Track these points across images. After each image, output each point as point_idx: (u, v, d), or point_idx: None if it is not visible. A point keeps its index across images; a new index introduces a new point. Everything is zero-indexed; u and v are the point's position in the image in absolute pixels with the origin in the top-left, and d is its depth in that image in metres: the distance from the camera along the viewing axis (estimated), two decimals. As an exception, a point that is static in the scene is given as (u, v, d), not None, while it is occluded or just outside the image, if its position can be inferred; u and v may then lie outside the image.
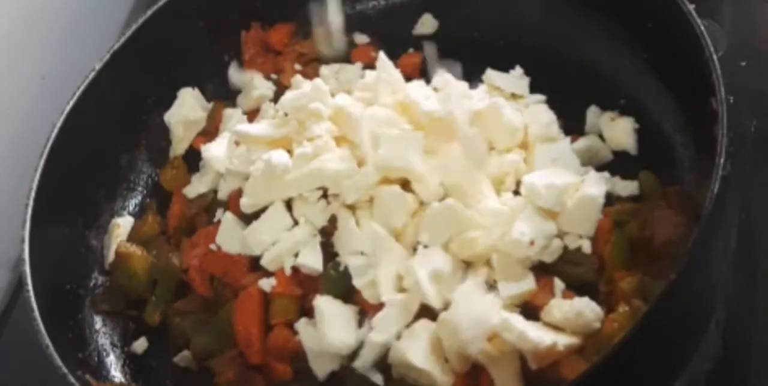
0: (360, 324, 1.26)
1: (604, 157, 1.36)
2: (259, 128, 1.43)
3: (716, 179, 1.08)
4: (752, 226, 1.32)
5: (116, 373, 1.36)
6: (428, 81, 1.47)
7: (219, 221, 1.43)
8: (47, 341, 1.25)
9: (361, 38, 1.61)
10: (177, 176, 1.55)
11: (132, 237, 1.49)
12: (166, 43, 1.57)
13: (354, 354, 1.24)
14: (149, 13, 1.55)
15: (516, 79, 1.46)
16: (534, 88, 1.45)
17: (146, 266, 1.43)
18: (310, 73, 1.55)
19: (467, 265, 1.28)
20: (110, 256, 1.46)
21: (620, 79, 1.41)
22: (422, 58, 1.55)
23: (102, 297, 1.44)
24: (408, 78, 1.47)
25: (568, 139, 1.37)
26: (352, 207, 1.32)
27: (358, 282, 1.29)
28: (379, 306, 1.25)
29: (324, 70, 1.57)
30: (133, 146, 1.58)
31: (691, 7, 1.25)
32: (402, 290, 1.26)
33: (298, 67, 1.58)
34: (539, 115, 1.39)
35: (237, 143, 1.46)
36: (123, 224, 1.50)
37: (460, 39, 1.56)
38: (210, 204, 1.48)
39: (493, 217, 1.27)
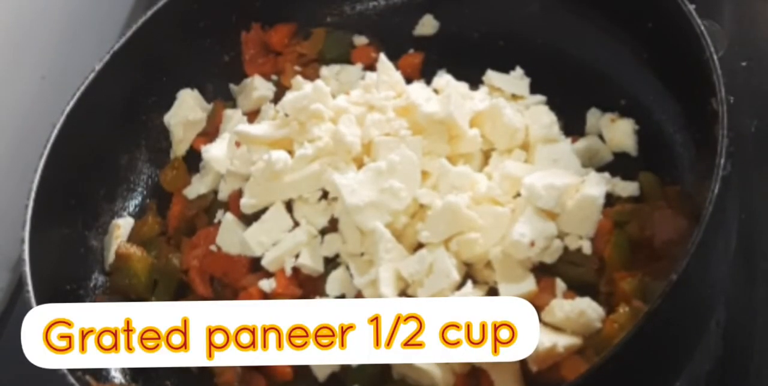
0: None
1: (604, 157, 1.36)
2: (260, 129, 1.43)
3: (717, 179, 1.08)
4: (753, 226, 1.33)
5: (116, 374, 1.36)
6: (429, 82, 1.47)
7: (219, 222, 1.43)
8: (47, 342, 1.25)
9: (360, 39, 1.61)
10: (177, 177, 1.55)
11: (132, 237, 1.48)
12: (166, 43, 1.57)
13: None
14: (149, 13, 1.55)
15: (516, 79, 1.46)
16: (534, 89, 1.45)
17: (146, 267, 1.43)
18: (311, 74, 1.55)
19: (468, 267, 1.28)
20: (110, 257, 1.46)
21: (620, 79, 1.41)
22: (423, 58, 1.55)
23: (102, 298, 1.44)
24: (408, 79, 1.47)
25: (568, 139, 1.37)
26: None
27: (358, 282, 1.29)
28: None
29: (324, 71, 1.57)
30: (133, 147, 1.57)
31: (692, 7, 1.25)
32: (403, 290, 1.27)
33: (297, 68, 1.58)
34: (540, 116, 1.38)
35: (237, 144, 1.46)
36: (123, 225, 1.50)
37: (460, 40, 1.56)
38: (210, 205, 1.48)
39: (493, 219, 1.27)
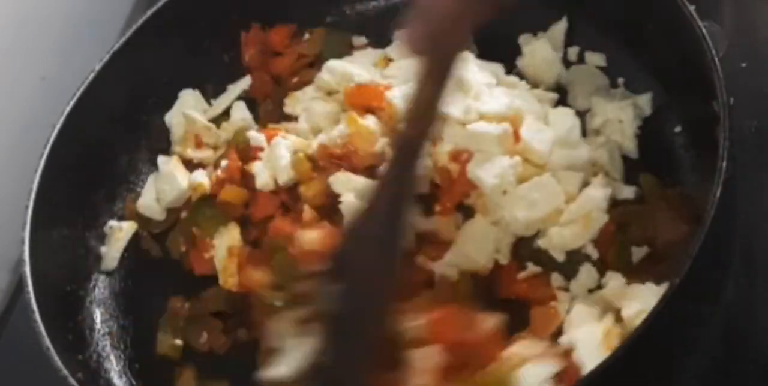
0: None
1: (605, 159, 1.36)
2: None
3: (718, 182, 1.08)
4: (754, 227, 1.32)
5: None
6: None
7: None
8: (47, 343, 1.24)
9: (360, 39, 1.61)
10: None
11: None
12: (166, 44, 1.57)
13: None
14: (149, 13, 1.55)
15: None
16: (534, 89, 1.45)
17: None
18: (310, 74, 1.55)
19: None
20: (110, 259, 1.47)
21: (620, 81, 1.40)
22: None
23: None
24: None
25: (587, 146, 1.34)
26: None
27: None
28: None
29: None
30: (133, 147, 1.57)
31: (692, 8, 1.25)
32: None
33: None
34: (563, 118, 1.36)
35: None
36: (125, 228, 1.50)
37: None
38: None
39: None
